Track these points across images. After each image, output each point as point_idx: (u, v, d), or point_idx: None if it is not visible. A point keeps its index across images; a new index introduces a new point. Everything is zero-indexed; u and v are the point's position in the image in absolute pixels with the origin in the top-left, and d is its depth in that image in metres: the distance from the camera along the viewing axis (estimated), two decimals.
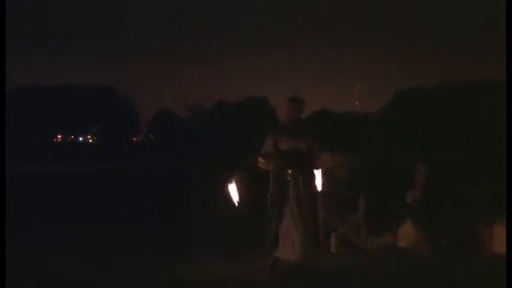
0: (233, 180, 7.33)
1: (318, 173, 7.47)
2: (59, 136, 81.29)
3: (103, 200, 15.36)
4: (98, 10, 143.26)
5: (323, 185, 7.81)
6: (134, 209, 13.54)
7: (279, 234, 7.06)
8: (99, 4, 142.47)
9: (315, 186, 7.26)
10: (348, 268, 7.49)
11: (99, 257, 8.07)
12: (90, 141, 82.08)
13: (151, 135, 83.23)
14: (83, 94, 77.91)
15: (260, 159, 7.21)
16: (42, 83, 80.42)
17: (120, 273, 7.23)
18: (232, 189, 7.34)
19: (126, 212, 12.91)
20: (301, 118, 7.37)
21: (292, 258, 7.02)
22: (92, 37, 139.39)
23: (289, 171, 7.10)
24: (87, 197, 16.20)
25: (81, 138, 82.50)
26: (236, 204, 7.33)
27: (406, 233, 8.74)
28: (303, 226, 7.03)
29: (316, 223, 7.31)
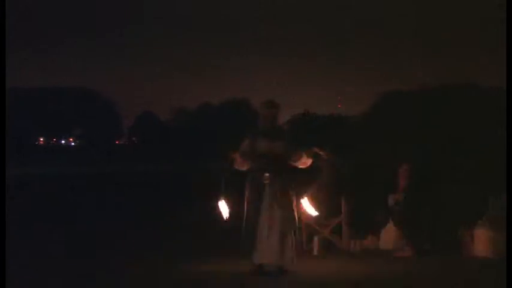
0: (222, 198, 7.31)
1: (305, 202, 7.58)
2: (41, 139, 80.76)
3: (85, 202, 15.34)
4: (81, 10, 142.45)
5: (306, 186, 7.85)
6: (117, 210, 13.53)
7: (256, 237, 7.07)
8: (82, 4, 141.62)
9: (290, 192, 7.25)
10: (331, 271, 7.50)
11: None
12: (73, 144, 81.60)
13: (134, 138, 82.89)
14: (65, 96, 77.47)
15: (237, 158, 7.20)
16: (24, 85, 79.79)
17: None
18: (223, 206, 7.32)
19: (110, 213, 12.90)
20: (277, 121, 7.37)
21: (269, 261, 7.02)
22: (74, 38, 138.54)
23: (266, 174, 7.11)
24: (70, 199, 16.16)
25: (63, 141, 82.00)
26: (225, 219, 7.31)
27: (389, 236, 8.78)
28: (280, 229, 7.03)
29: (295, 225, 7.30)
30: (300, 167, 7.38)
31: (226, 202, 7.30)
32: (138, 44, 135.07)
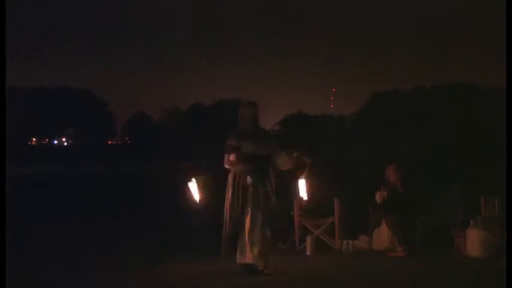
0: (193, 179, 7.27)
1: (301, 183, 7.48)
2: (34, 139, 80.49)
3: (77, 202, 15.33)
4: (73, 9, 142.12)
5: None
6: (109, 210, 13.53)
7: (238, 238, 7.07)
8: (74, 4, 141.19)
9: (272, 194, 7.21)
10: (323, 271, 7.50)
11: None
12: (65, 144, 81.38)
13: (127, 138, 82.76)
14: (58, 96, 77.27)
15: (230, 156, 7.13)
16: (14, 85, 79.41)
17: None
18: (193, 188, 7.27)
19: (103, 213, 12.90)
20: (258, 122, 7.34)
21: (250, 262, 7.03)
22: (67, 38, 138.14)
23: (249, 177, 7.08)
24: (62, 199, 16.13)
25: (55, 141, 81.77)
26: (198, 202, 7.27)
27: (381, 236, 8.79)
28: (261, 231, 7.03)
29: (274, 228, 7.28)
30: (281, 169, 7.32)
31: (197, 184, 7.23)
32: (131, 45, 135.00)
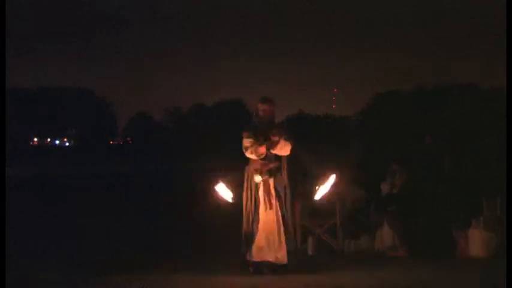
0: (220, 181, 7.26)
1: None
2: (35, 139, 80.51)
3: (79, 202, 15.32)
4: (73, 9, 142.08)
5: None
6: (110, 210, 13.53)
7: (252, 235, 7.05)
8: (74, 3, 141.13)
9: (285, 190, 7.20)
10: (324, 271, 7.49)
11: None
12: (67, 144, 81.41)
13: (128, 138, 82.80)
14: (59, 96, 77.30)
15: (260, 149, 7.07)
16: (17, 85, 79.45)
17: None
18: (222, 189, 7.27)
19: (105, 214, 12.90)
20: (274, 118, 7.33)
21: (263, 259, 7.02)
22: (67, 37, 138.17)
23: (263, 173, 7.06)
24: (64, 199, 16.13)
25: (57, 142, 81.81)
26: (231, 200, 7.26)
27: (383, 236, 8.77)
28: (275, 228, 7.03)
29: (292, 225, 7.28)
30: (281, 153, 7.24)
31: (226, 185, 7.24)
32: (132, 45, 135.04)
